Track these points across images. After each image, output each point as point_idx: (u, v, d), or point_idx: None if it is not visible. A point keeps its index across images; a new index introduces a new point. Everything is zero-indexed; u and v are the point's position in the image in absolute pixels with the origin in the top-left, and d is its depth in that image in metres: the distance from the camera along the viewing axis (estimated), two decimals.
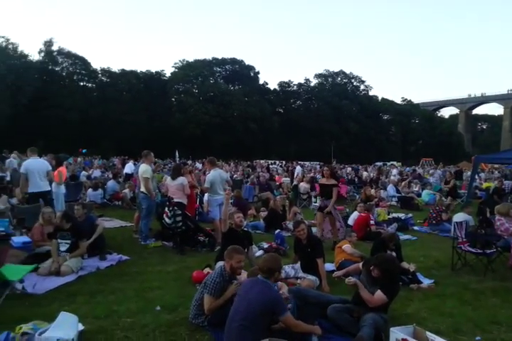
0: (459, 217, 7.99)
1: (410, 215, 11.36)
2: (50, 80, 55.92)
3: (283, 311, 3.47)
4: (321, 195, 8.38)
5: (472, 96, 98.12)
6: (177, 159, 28.67)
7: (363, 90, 76.40)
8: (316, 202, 12.93)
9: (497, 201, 11.30)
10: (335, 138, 62.66)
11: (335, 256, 6.42)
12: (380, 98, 78.77)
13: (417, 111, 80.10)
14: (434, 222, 10.26)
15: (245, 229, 6.70)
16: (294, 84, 72.28)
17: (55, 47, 57.59)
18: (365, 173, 24.65)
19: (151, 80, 62.69)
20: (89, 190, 12.76)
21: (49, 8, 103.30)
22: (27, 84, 50.01)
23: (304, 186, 14.02)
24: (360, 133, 67.67)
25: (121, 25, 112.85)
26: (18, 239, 6.82)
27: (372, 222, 8.88)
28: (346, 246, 6.33)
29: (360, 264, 4.70)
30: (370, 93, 77.36)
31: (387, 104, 76.11)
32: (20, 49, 53.57)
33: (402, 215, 11.30)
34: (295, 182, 15.09)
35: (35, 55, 57.08)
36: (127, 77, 60.15)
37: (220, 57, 66.37)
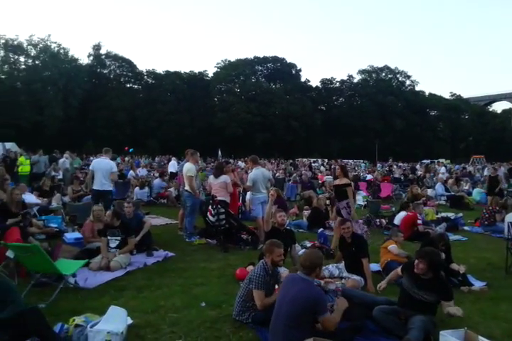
0: None
1: (460, 215, 10.89)
2: (98, 83, 58.41)
3: (324, 311, 3.44)
4: (336, 198, 7.70)
5: None
6: (219, 158, 29.02)
7: (409, 85, 73.86)
8: (360, 201, 12.69)
9: None
10: (379, 136, 61.01)
11: (380, 256, 6.25)
12: (427, 93, 75.84)
13: (467, 106, 76.34)
14: (486, 222, 9.77)
15: (288, 227, 6.68)
16: (337, 81, 71.16)
17: (103, 51, 60.13)
18: (419, 171, 23.87)
19: (194, 81, 63.88)
20: (136, 188, 13.18)
21: (97, 13, 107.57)
22: (77, 87, 52.48)
23: None
24: (406, 130, 65.48)
25: (165, 27, 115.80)
26: (70, 235, 7.16)
27: (419, 221, 8.58)
28: (392, 247, 6.15)
29: (399, 269, 4.51)
30: (417, 88, 74.64)
31: (434, 100, 73.09)
32: (70, 53, 56.28)
33: (451, 215, 10.85)
34: None
35: (84, 59, 59.83)
36: (171, 78, 61.72)
37: (261, 56, 66.52)
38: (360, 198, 13.48)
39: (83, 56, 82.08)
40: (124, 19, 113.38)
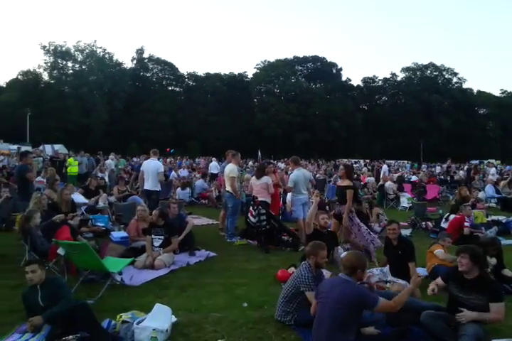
0: None
1: None
2: (141, 86, 60.24)
3: (375, 301, 3.34)
4: (338, 201, 7.18)
5: None
6: (259, 158, 29.09)
7: (456, 83, 70.85)
8: (404, 203, 12.34)
9: None
10: (424, 135, 59.03)
11: (427, 260, 6.02)
12: (475, 91, 72.57)
13: None
14: None
15: (330, 229, 6.58)
16: (379, 80, 69.58)
17: (145, 55, 61.98)
18: (461, 172, 22.91)
19: (234, 82, 64.58)
20: (178, 188, 13.45)
21: (140, 18, 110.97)
22: (122, 91, 54.43)
23: (391, 186, 13.43)
24: (453, 129, 62.89)
25: (206, 30, 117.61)
26: (116, 234, 7.39)
27: (466, 223, 8.20)
28: (438, 251, 5.89)
29: (440, 280, 4.22)
30: (464, 86, 71.38)
31: (483, 97, 69.75)
32: (115, 58, 58.51)
33: (502, 218, 10.30)
34: (381, 182, 14.51)
35: (128, 63, 61.97)
36: (212, 80, 62.66)
37: (301, 56, 66.18)
38: (405, 200, 13.11)
39: (127, 60, 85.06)
40: (165, 23, 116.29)
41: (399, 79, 69.61)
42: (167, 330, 3.70)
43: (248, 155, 38.08)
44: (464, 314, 3.64)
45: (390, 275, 5.21)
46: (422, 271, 5.79)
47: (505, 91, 76.52)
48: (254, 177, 8.01)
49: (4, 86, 58.21)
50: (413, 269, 5.13)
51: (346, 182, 6.73)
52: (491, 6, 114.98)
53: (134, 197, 10.01)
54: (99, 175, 14.63)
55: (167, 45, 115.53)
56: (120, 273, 5.31)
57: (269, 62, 65.28)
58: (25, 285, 4.03)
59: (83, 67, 55.11)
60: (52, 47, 53.74)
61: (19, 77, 55.78)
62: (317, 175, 17.51)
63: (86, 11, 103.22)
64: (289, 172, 13.64)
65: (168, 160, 29.69)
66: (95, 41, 56.47)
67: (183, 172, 19.04)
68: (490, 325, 3.83)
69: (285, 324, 4.07)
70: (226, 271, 5.98)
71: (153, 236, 6.37)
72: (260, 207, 7.36)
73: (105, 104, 52.42)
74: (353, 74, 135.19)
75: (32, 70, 55.29)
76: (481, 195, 13.08)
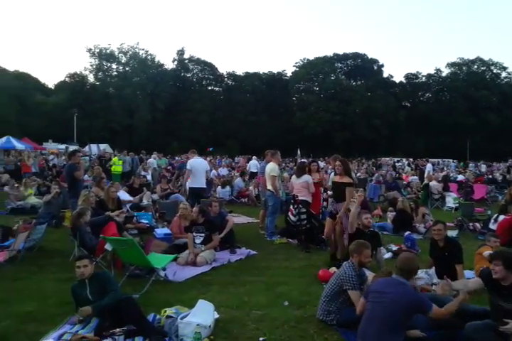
0: None
1: None
2: (182, 86, 61.38)
3: (430, 306, 3.32)
4: (334, 197, 6.61)
5: None
6: (298, 157, 28.94)
7: (506, 78, 67.22)
8: (450, 203, 11.91)
9: None
10: (471, 133, 56.54)
11: (475, 263, 5.78)
12: None
13: None
14: None
15: (372, 229, 6.45)
16: (423, 76, 67.21)
17: (186, 56, 63.07)
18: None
19: (273, 81, 64.55)
20: (218, 187, 13.62)
21: (180, 19, 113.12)
22: (163, 91, 55.73)
23: (435, 185, 12.98)
24: (503, 126, 59.76)
25: (245, 30, 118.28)
26: (160, 231, 7.58)
27: None
28: (487, 253, 5.64)
29: (478, 280, 3.95)
30: None
31: None
32: (157, 59, 59.87)
33: None
34: (426, 181, 14.05)
35: (169, 64, 63.28)
36: (251, 79, 62.94)
37: (341, 53, 65.20)
38: (451, 200, 12.65)
39: (168, 61, 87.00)
40: (205, 24, 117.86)
41: (444, 74, 67.07)
42: (210, 326, 3.76)
43: (287, 154, 37.99)
44: (509, 326, 3.39)
45: (436, 278, 5.05)
46: (469, 274, 5.56)
47: None
48: (294, 176, 7.97)
49: (53, 88, 61.17)
50: (461, 272, 4.94)
51: (346, 179, 6.21)
52: None
53: (177, 195, 10.24)
54: (143, 173, 15.07)
55: (207, 45, 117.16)
56: (164, 269, 5.45)
57: (308, 60, 64.75)
58: (74, 279, 4.20)
59: (127, 68, 56.89)
60: (98, 50, 55.83)
61: (67, 79, 58.35)
62: (358, 174, 17.20)
63: (129, 14, 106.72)
64: (329, 171, 13.53)
65: (208, 158, 30.12)
66: (138, 43, 58.33)
67: (223, 171, 19.27)
68: None
69: (327, 323, 4.04)
70: (267, 270, 5.99)
71: (194, 233, 6.49)
72: (301, 205, 7.32)
73: (147, 105, 53.86)
74: (395, 70, 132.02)
75: (79, 73, 57.69)
76: None
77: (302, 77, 62.13)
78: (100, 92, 53.65)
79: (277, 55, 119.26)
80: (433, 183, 13.15)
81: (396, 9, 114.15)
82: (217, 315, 4.05)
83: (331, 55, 65.20)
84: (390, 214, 9.70)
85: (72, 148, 26.35)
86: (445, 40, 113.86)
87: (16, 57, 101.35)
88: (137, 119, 52.74)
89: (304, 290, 5.06)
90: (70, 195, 8.16)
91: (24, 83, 52.77)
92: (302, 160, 20.32)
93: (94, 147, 26.33)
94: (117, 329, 3.56)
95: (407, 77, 67.83)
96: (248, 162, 21.11)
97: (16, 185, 11.82)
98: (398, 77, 70.52)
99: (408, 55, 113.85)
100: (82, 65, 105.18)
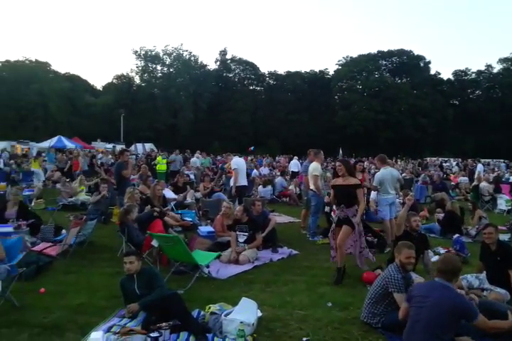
0: None
1: None
2: (224, 86, 62.03)
3: (475, 315, 3.17)
4: (336, 202, 5.93)
5: None
6: (340, 157, 28.52)
7: None
8: (502, 205, 11.33)
9: None
10: None
11: None
12: None
13: None
14: None
15: (420, 232, 6.25)
16: (472, 72, 64.17)
17: (228, 56, 63.71)
18: None
19: (315, 79, 63.83)
20: (260, 186, 13.66)
21: (222, 20, 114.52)
22: (206, 91, 56.62)
23: (486, 186, 12.39)
24: None
25: (287, 29, 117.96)
26: (204, 229, 7.70)
27: None
28: None
29: None
30: None
31: None
32: (200, 60, 60.86)
33: None
34: (475, 182, 13.45)
35: (212, 65, 64.19)
36: (292, 78, 62.65)
37: (385, 50, 63.49)
38: (503, 202, 12.04)
39: (210, 62, 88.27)
40: (247, 24, 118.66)
41: (495, 71, 63.79)
42: (253, 324, 3.78)
43: (328, 153, 37.56)
44: None
45: (487, 283, 4.83)
46: None
47: None
48: None
49: (101, 90, 63.71)
50: None
51: (352, 181, 5.67)
52: None
53: (219, 194, 10.40)
54: (186, 172, 15.39)
55: (249, 45, 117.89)
56: (208, 266, 5.54)
57: (351, 57, 63.51)
58: (122, 273, 4.35)
59: (171, 69, 58.21)
60: (143, 52, 57.53)
61: (114, 80, 60.77)
62: (403, 174, 16.71)
63: (173, 17, 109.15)
64: (372, 172, 13.24)
65: (249, 158, 30.27)
66: (182, 45, 59.65)
67: (264, 170, 19.29)
68: None
69: (372, 326, 3.97)
70: (309, 270, 5.96)
71: (237, 232, 6.55)
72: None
73: (191, 105, 54.96)
74: (443, 67, 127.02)
75: (125, 74, 59.80)
76: None
77: (345, 76, 61.05)
78: (146, 93, 55.26)
79: (319, 54, 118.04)
80: (483, 184, 12.57)
81: (442, 3, 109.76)
82: (260, 313, 4.07)
83: (375, 52, 63.66)
84: (439, 216, 9.37)
85: (119, 147, 27.37)
86: (496, 35, 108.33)
87: (67, 60, 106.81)
88: (181, 119, 53.90)
89: (348, 292, 4.99)
90: (118, 192, 8.47)
91: (74, 85, 55.24)
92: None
93: (139, 146, 27.19)
94: (163, 324, 3.65)
95: (456, 73, 65.06)
96: (289, 161, 21.04)
97: (67, 180, 12.42)
98: (446, 74, 67.94)
99: (457, 52, 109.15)
100: (129, 66, 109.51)
